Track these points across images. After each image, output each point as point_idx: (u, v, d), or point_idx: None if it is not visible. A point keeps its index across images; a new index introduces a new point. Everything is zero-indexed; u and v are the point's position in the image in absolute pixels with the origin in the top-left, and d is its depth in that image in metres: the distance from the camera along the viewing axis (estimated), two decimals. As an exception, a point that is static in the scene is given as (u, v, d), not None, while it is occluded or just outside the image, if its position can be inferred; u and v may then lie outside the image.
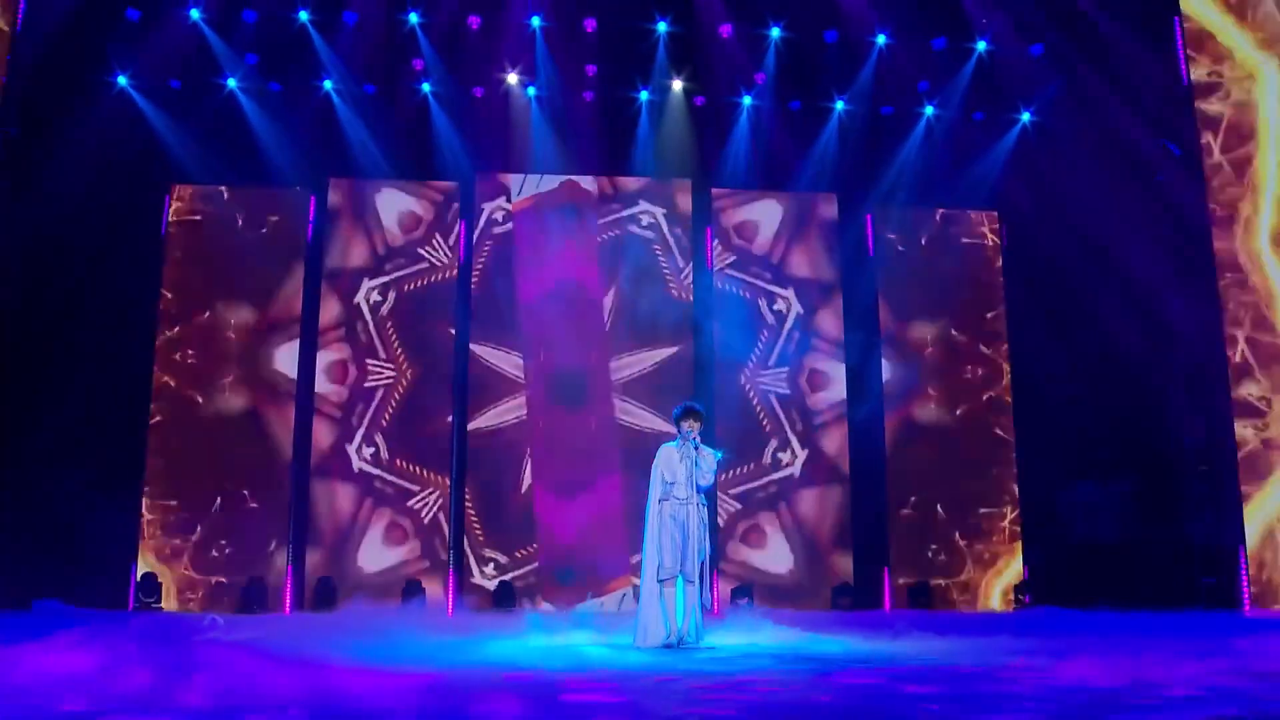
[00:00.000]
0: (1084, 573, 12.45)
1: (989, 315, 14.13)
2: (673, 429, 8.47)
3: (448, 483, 13.32)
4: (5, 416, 11.58)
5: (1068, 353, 13.03)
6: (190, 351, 13.20)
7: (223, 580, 12.72)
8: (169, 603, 12.55)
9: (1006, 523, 13.69)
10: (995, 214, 14.20)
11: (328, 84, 13.29)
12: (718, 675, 5.59)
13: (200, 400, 13.13)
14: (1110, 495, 12.34)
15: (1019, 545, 13.60)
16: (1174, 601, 11.34)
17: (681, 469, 8.29)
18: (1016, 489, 13.76)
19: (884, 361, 13.86)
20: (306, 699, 3.91)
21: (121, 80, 12.82)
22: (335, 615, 9.90)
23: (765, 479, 13.67)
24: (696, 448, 8.28)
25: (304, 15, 12.65)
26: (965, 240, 14.17)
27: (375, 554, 13.14)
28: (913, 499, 13.69)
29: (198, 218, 13.48)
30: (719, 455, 8.43)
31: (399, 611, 10.28)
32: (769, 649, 7.56)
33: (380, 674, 4.81)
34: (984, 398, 13.97)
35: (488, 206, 14.02)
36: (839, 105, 13.78)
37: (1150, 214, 11.93)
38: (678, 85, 13.75)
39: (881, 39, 13.20)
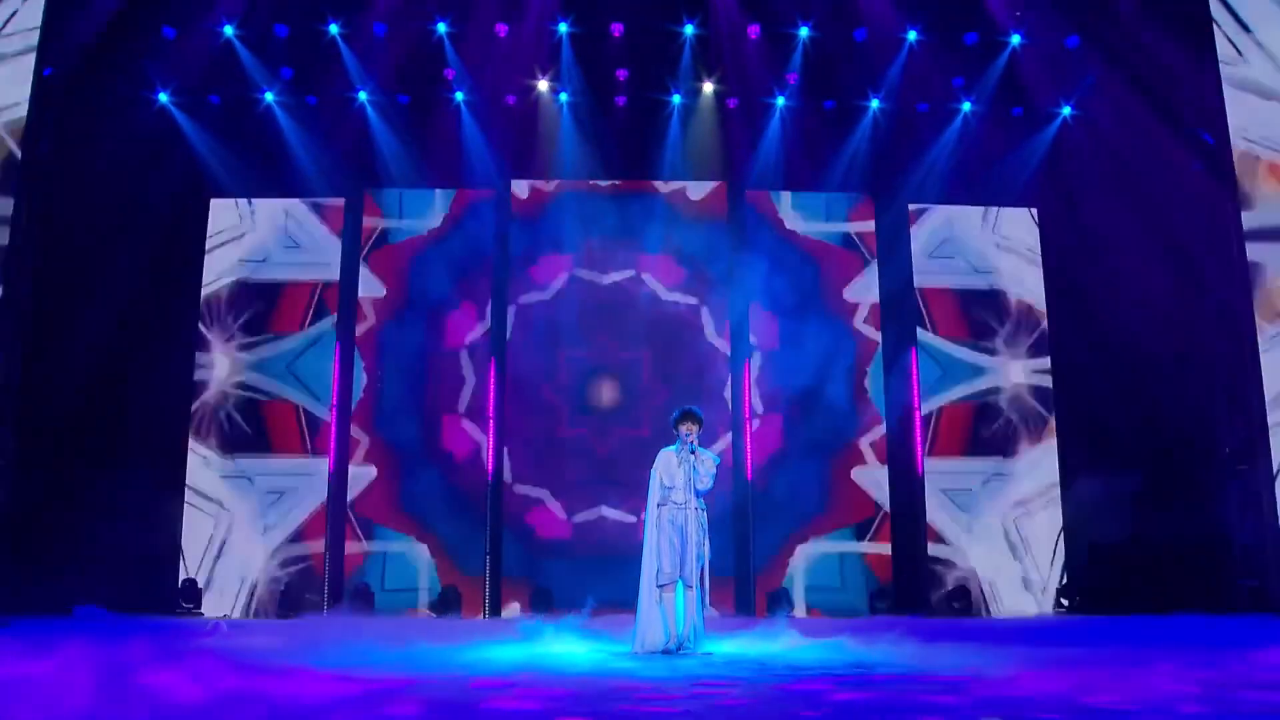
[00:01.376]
0: (1123, 575, 12.11)
1: (1028, 311, 13.86)
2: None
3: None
4: (49, 424, 11.89)
5: (1104, 350, 12.73)
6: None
7: (262, 584, 12.98)
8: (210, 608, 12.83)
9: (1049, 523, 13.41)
10: (1033, 210, 13.93)
11: (362, 95, 13.49)
12: (672, 681, 5.54)
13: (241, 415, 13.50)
14: (1120, 492, 12.03)
15: (1061, 546, 13.29)
16: (1217, 605, 10.95)
17: (680, 473, 8.22)
18: (1058, 488, 13.46)
19: (919, 356, 13.67)
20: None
21: (163, 97, 13.17)
22: (343, 621, 9.99)
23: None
24: (693, 451, 8.22)
25: (334, 28, 12.82)
26: (1003, 236, 13.90)
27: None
28: (953, 501, 13.45)
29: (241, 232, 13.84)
30: (717, 459, 8.36)
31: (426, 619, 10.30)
32: (760, 656, 7.46)
33: (319, 681, 4.85)
34: (1024, 395, 13.68)
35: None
36: (874, 104, 13.60)
37: (1186, 206, 11.61)
38: (708, 88, 13.69)
39: (912, 35, 12.97)
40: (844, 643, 8.34)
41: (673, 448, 8.33)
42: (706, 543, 8.26)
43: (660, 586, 8.09)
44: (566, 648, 7.82)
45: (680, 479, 8.21)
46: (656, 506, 8.22)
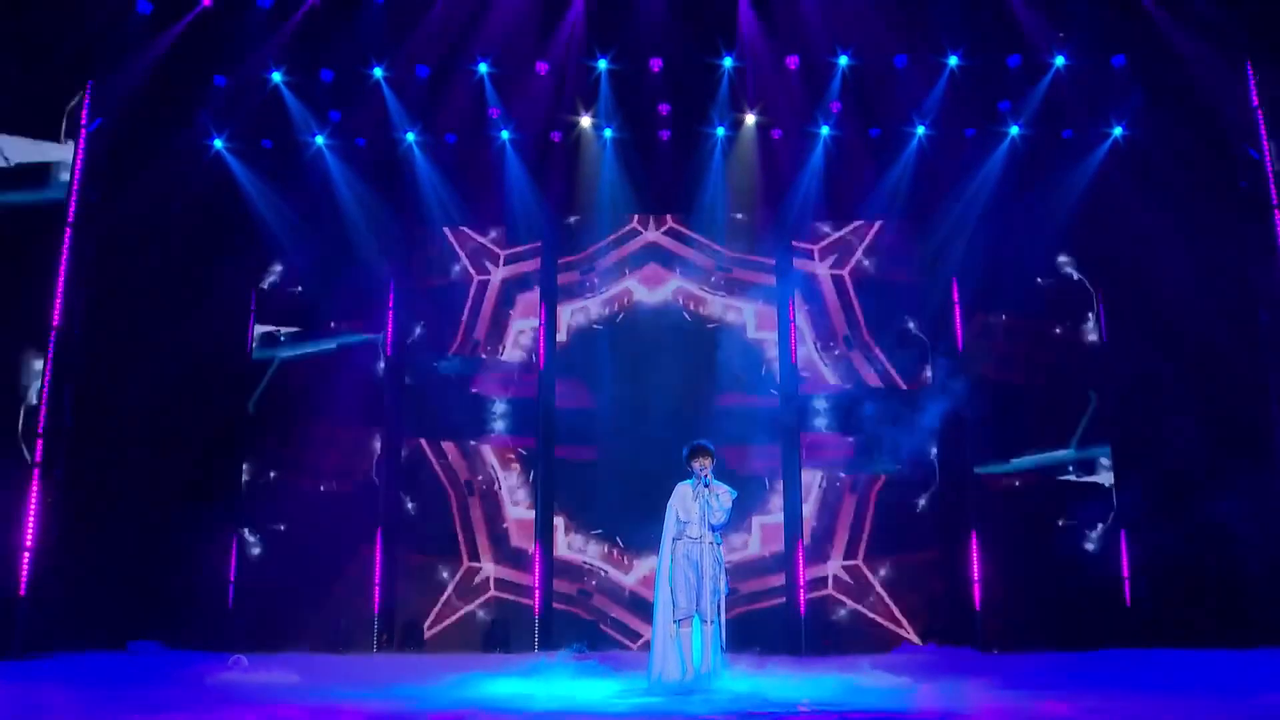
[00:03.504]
0: (1187, 603, 11.71)
1: (1080, 336, 13.54)
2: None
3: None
4: (107, 461, 12.20)
5: (1154, 369, 12.37)
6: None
7: (311, 620, 13.16)
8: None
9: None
10: (1079, 233, 13.62)
11: (410, 136, 13.72)
12: (646, 714, 5.49)
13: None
14: (1173, 518, 11.62)
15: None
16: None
17: (695, 508, 8.20)
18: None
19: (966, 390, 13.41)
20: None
21: (217, 143, 13.55)
22: (373, 658, 10.03)
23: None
24: (707, 485, 8.19)
25: (378, 72, 13.05)
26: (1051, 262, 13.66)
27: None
28: (1005, 533, 13.13)
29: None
30: (735, 493, 8.30)
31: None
32: (768, 693, 7.37)
33: (301, 714, 4.89)
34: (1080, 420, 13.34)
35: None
36: (920, 130, 13.43)
37: (1236, 224, 11.32)
38: (750, 119, 13.66)
39: (954, 60, 12.77)
40: (871, 679, 8.24)
41: (688, 482, 8.32)
42: (723, 577, 8.21)
43: (677, 621, 8.06)
44: (563, 684, 7.79)
45: (695, 514, 8.19)
46: (672, 541, 8.22)
